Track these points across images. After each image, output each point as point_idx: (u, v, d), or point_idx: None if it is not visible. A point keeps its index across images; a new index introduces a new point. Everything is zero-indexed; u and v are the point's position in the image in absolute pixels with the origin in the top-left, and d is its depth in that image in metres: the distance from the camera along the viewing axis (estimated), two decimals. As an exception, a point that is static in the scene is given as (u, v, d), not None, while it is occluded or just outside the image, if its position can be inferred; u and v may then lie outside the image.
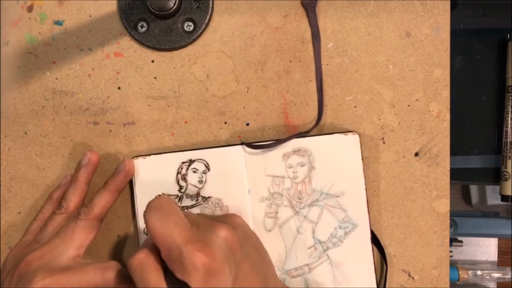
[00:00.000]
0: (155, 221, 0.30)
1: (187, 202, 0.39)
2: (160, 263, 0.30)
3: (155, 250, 0.31)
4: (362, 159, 0.39)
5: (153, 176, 0.39)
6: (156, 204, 0.31)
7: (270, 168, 0.39)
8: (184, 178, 0.39)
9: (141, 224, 0.39)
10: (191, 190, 0.39)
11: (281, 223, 0.39)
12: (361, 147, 0.39)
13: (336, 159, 0.39)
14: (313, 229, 0.39)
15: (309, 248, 0.39)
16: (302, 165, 0.39)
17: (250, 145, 0.39)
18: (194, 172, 0.39)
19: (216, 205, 0.39)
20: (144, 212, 0.31)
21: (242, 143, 0.39)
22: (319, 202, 0.39)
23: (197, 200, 0.39)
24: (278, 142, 0.39)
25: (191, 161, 0.39)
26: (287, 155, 0.39)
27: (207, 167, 0.39)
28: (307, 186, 0.39)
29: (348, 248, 0.39)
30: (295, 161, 0.39)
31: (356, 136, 0.39)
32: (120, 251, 0.41)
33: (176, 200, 0.39)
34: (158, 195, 0.31)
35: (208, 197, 0.39)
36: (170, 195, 0.39)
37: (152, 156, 0.39)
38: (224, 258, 0.29)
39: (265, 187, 0.39)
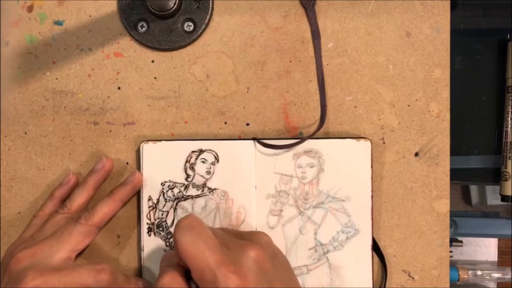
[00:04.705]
0: (187, 241, 0.30)
1: (193, 191, 0.39)
2: (186, 285, 0.31)
3: (180, 270, 0.31)
4: (372, 167, 0.39)
5: (161, 162, 0.39)
6: (186, 224, 0.31)
7: (279, 166, 0.39)
8: (192, 167, 0.39)
9: (145, 209, 0.39)
10: (198, 180, 0.39)
11: (284, 222, 0.39)
12: (371, 154, 0.39)
13: (345, 163, 0.39)
14: (315, 231, 0.39)
15: (309, 249, 0.39)
16: (312, 166, 0.39)
17: (262, 143, 0.39)
18: (203, 162, 0.39)
19: (222, 197, 0.39)
20: (174, 231, 0.31)
21: (253, 139, 0.39)
22: (324, 205, 0.39)
23: (203, 190, 0.39)
24: (290, 145, 0.39)
25: (201, 151, 0.39)
26: (297, 155, 0.39)
27: (217, 158, 0.39)
28: (314, 188, 0.39)
29: (348, 253, 0.39)
30: (305, 161, 0.39)
31: (368, 143, 0.39)
32: (120, 252, 0.41)
33: (182, 188, 0.39)
34: (187, 214, 0.32)
35: (215, 189, 0.39)
36: (176, 182, 0.39)
37: (162, 141, 0.40)
38: (257, 279, 0.30)
39: (272, 185, 0.39)
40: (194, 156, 0.39)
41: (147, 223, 0.39)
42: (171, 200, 0.39)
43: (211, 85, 0.41)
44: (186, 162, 0.39)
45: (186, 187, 0.39)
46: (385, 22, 0.41)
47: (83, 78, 0.41)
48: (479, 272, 0.77)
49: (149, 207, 0.39)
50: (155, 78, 0.41)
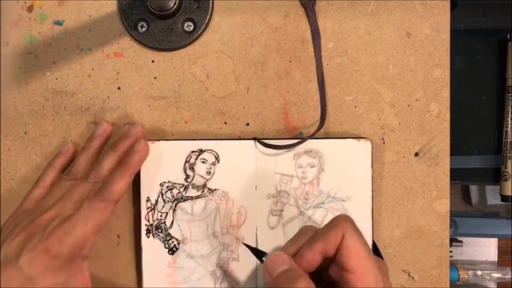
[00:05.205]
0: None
1: (192, 192, 0.39)
2: None
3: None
4: (372, 166, 0.39)
5: (161, 162, 0.39)
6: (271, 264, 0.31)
7: (280, 166, 0.39)
8: (192, 168, 0.39)
9: (143, 210, 0.39)
10: (198, 180, 0.39)
11: (285, 222, 0.39)
12: (372, 154, 0.39)
13: (346, 163, 0.39)
14: None
15: (309, 248, 0.39)
16: (312, 166, 0.39)
17: (262, 143, 0.39)
18: (203, 162, 0.39)
19: (222, 198, 0.39)
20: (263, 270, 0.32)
21: (254, 139, 0.39)
22: (325, 205, 0.39)
23: (202, 191, 0.39)
24: (290, 145, 0.39)
25: (201, 151, 0.39)
26: (298, 155, 0.39)
27: (217, 158, 0.39)
28: (314, 188, 0.39)
29: None
30: (306, 161, 0.39)
31: (368, 143, 0.39)
32: (120, 252, 0.41)
33: (182, 189, 0.39)
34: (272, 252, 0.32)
35: (215, 189, 0.39)
36: (175, 183, 0.39)
37: (161, 141, 0.39)
38: None
39: (272, 185, 0.39)
40: (194, 156, 0.39)
41: (146, 225, 0.39)
42: (170, 201, 0.39)
43: (211, 85, 0.41)
44: (186, 162, 0.39)
45: (186, 188, 0.39)
46: (385, 22, 0.41)
47: (83, 78, 0.41)
48: (479, 272, 0.77)
49: (147, 208, 0.39)
50: (155, 78, 0.41)
